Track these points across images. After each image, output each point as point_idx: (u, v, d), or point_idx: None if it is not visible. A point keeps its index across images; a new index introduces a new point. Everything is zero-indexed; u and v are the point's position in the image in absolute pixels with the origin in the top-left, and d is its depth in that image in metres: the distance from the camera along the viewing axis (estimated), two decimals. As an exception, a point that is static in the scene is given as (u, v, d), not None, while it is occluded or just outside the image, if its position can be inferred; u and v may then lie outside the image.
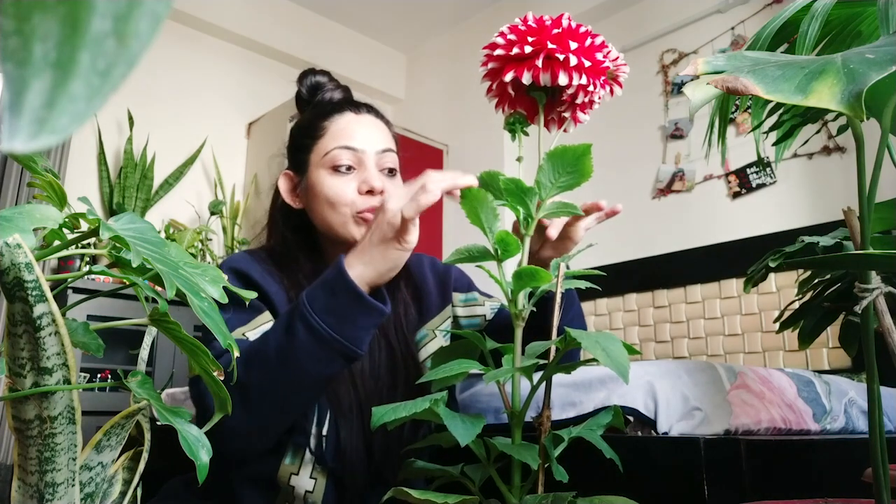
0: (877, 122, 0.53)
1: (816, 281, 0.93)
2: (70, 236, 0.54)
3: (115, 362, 2.52)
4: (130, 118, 2.89)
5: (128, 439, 0.63)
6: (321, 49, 3.58)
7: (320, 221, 0.99)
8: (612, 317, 2.74)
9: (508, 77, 0.67)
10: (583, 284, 0.67)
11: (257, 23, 3.39)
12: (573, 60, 0.65)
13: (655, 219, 2.75)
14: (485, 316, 1.06)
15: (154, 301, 0.56)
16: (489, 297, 1.10)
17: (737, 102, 0.86)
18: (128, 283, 0.56)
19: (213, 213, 3.04)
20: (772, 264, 0.89)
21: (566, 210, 0.69)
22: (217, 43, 3.36)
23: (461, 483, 0.66)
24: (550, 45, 0.65)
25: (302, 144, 1.02)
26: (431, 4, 3.52)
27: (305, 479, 0.88)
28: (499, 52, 0.67)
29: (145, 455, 0.64)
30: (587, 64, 0.66)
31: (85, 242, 0.49)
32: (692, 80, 0.48)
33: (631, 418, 0.91)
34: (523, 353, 0.64)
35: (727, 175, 2.57)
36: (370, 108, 1.04)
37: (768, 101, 0.72)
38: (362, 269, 0.80)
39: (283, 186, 1.04)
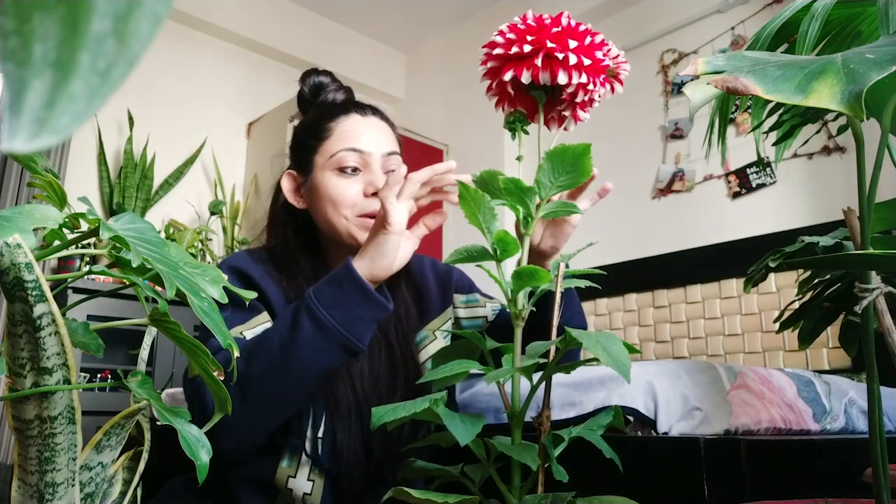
0: (877, 122, 0.53)
1: (816, 281, 0.93)
2: (70, 236, 0.54)
3: (115, 362, 2.51)
4: (130, 118, 2.89)
5: (128, 439, 0.63)
6: (321, 49, 3.58)
7: (324, 222, 0.99)
8: (612, 317, 2.74)
9: (508, 76, 0.67)
10: (583, 283, 0.67)
11: (257, 23, 3.39)
12: (572, 59, 0.65)
13: (655, 219, 2.74)
14: (486, 317, 1.06)
15: (154, 301, 0.56)
16: (490, 298, 1.10)
17: (737, 102, 0.86)
18: (128, 283, 0.56)
19: (213, 213, 3.04)
20: (772, 264, 0.89)
21: (566, 210, 0.68)
22: (217, 43, 3.35)
23: (461, 483, 0.66)
24: (550, 44, 0.65)
25: (306, 145, 1.02)
26: (431, 4, 3.52)
27: (303, 482, 0.88)
28: (498, 51, 0.67)
29: (145, 455, 0.64)
30: (587, 62, 0.66)
31: (85, 242, 0.49)
32: (692, 80, 0.48)
33: (631, 418, 0.91)
34: (523, 352, 0.64)
35: (727, 175, 2.57)
36: (375, 111, 1.04)
37: (768, 101, 0.72)
38: (363, 264, 0.83)
39: (287, 186, 1.03)
